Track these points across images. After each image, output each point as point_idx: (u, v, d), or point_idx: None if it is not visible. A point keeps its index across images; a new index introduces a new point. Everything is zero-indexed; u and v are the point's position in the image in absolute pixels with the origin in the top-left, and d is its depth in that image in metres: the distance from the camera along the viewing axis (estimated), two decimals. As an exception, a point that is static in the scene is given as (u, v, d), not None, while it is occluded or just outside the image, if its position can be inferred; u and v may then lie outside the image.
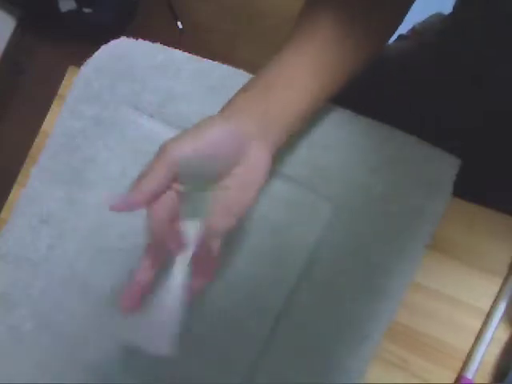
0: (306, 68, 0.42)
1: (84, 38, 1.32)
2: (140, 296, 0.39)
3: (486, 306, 0.45)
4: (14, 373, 0.54)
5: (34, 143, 0.62)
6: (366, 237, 0.47)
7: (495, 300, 0.45)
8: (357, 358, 0.45)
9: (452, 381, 0.45)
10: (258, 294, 0.49)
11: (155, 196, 0.37)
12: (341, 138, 0.50)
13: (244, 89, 0.41)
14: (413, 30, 0.67)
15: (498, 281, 0.45)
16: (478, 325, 0.45)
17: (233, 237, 0.50)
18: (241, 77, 0.53)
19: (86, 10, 1.64)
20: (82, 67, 0.59)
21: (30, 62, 1.76)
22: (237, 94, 0.41)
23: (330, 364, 0.46)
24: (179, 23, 1.68)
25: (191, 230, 0.37)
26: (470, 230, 0.47)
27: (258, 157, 0.39)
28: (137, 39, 0.59)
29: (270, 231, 0.50)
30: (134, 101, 0.56)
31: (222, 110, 0.41)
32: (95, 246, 0.54)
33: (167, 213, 0.37)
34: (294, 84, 0.41)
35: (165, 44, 0.58)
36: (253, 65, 0.50)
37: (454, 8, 0.59)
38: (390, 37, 0.49)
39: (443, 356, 0.46)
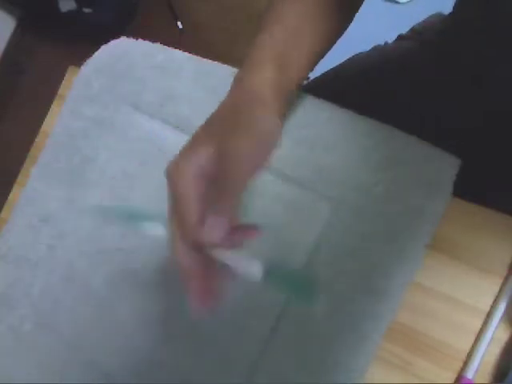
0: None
1: (84, 37, 1.32)
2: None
3: (485, 305, 0.45)
4: (14, 373, 0.54)
5: (34, 143, 0.62)
6: (366, 237, 0.47)
7: (495, 300, 0.45)
8: (357, 357, 0.45)
9: (452, 381, 0.45)
10: (258, 293, 0.49)
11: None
12: (341, 138, 0.50)
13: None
14: (413, 30, 0.67)
15: (498, 281, 0.45)
16: (478, 325, 0.45)
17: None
18: (241, 77, 0.53)
19: (86, 10, 1.64)
20: (81, 67, 0.59)
21: (30, 61, 1.76)
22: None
23: (330, 364, 0.46)
24: (179, 23, 1.68)
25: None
26: (470, 230, 0.47)
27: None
28: (137, 39, 0.59)
29: (270, 231, 0.49)
30: (134, 101, 0.56)
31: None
32: (95, 246, 0.54)
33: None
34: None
35: (165, 44, 0.58)
36: (253, 65, 0.50)
37: (454, 8, 0.59)
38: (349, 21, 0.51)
39: (443, 356, 0.46)
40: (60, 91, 0.62)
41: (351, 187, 0.48)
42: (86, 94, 0.58)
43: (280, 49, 0.43)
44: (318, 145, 0.50)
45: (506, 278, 0.45)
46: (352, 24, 0.51)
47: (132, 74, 0.57)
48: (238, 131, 0.36)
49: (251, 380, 0.48)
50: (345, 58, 0.68)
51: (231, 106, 0.40)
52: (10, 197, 0.62)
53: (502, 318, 0.44)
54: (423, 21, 0.67)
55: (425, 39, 0.63)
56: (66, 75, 0.62)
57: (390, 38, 0.69)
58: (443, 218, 0.46)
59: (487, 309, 0.45)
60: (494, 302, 0.45)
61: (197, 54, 0.56)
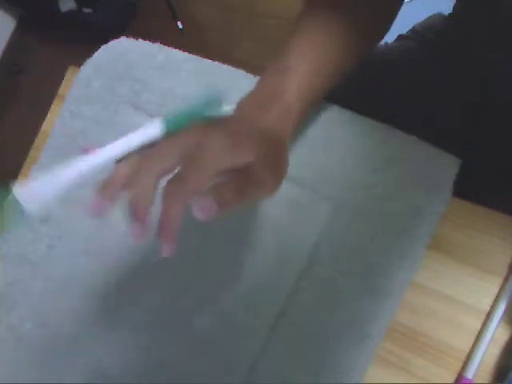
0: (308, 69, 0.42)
1: (84, 38, 1.32)
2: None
3: (485, 306, 0.45)
4: (14, 372, 0.54)
5: (34, 143, 0.62)
6: (365, 237, 0.47)
7: (495, 300, 0.45)
8: (357, 357, 0.45)
9: (452, 381, 0.45)
10: (258, 293, 0.49)
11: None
12: (341, 138, 0.50)
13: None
14: (413, 30, 0.67)
15: (498, 281, 0.45)
16: (477, 325, 0.45)
17: (233, 235, 0.50)
18: (241, 77, 0.53)
19: (86, 10, 1.64)
20: (81, 67, 0.59)
21: (30, 62, 1.76)
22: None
23: (330, 364, 0.46)
24: (179, 23, 1.68)
25: None
26: (470, 230, 0.47)
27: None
28: (137, 39, 0.59)
29: (271, 231, 0.50)
30: (134, 101, 0.56)
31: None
32: (95, 246, 0.54)
33: None
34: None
35: (165, 44, 0.58)
36: (253, 65, 0.50)
37: (453, 8, 0.59)
38: (380, 39, 0.50)
39: (443, 356, 0.46)
40: (60, 91, 0.62)
41: (351, 187, 0.48)
42: (86, 94, 0.58)
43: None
44: (317, 145, 0.50)
45: (506, 278, 0.45)
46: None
47: (132, 74, 0.57)
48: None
49: (251, 380, 0.48)
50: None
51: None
52: (10, 197, 0.62)
53: (502, 317, 0.44)
54: (423, 21, 0.67)
55: (425, 39, 0.63)
56: (66, 75, 0.62)
57: (390, 38, 0.69)
58: (443, 218, 0.46)
59: (487, 309, 0.45)
60: (493, 302, 0.45)
61: (197, 54, 0.56)
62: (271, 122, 0.38)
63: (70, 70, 0.62)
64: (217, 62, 0.55)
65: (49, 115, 0.62)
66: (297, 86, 0.41)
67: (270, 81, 0.42)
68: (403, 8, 0.50)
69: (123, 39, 0.59)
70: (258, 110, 0.39)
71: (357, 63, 0.47)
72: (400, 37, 0.68)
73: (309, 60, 0.42)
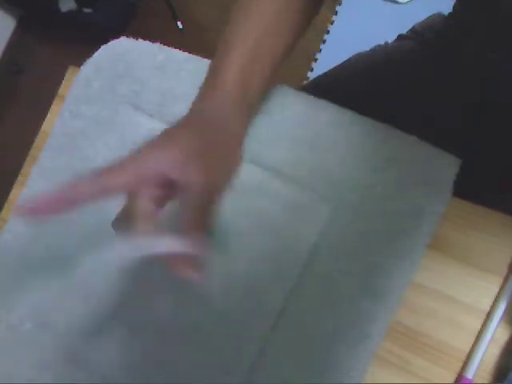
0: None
1: (84, 38, 1.32)
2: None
3: (486, 306, 0.45)
4: (13, 372, 0.54)
5: (34, 143, 0.62)
6: (365, 237, 0.47)
7: (495, 300, 0.45)
8: (357, 357, 0.45)
9: (452, 381, 0.45)
10: (258, 293, 0.49)
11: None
12: (341, 138, 0.50)
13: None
14: (413, 30, 0.67)
15: (498, 281, 0.45)
16: (477, 325, 0.45)
17: (233, 237, 0.50)
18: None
19: (86, 10, 1.64)
20: (81, 67, 0.59)
21: (30, 62, 1.76)
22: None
23: (330, 364, 0.46)
24: (179, 23, 1.68)
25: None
26: (470, 230, 0.47)
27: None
28: (137, 39, 0.59)
29: (270, 231, 0.50)
30: (134, 101, 0.56)
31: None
32: (95, 246, 0.54)
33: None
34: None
35: (165, 44, 0.58)
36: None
37: (453, 8, 0.59)
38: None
39: (443, 356, 0.46)
40: (60, 91, 0.62)
41: (351, 187, 0.48)
42: (86, 94, 0.58)
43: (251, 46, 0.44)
44: (317, 145, 0.50)
45: (506, 278, 0.45)
46: (352, 24, 0.51)
47: (132, 74, 0.57)
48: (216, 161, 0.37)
49: (251, 380, 0.48)
50: (345, 58, 0.68)
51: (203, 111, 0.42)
52: (10, 197, 0.62)
53: (502, 317, 0.44)
54: (423, 21, 0.67)
55: (425, 39, 0.63)
56: (66, 75, 0.62)
57: (390, 38, 0.69)
58: (443, 218, 0.46)
59: (487, 309, 0.45)
60: (493, 302, 0.45)
61: (197, 54, 0.56)
62: (207, 109, 0.40)
63: (70, 70, 0.62)
64: (217, 62, 0.55)
65: (49, 115, 0.62)
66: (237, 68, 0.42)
67: (213, 64, 0.44)
68: (403, 8, 0.50)
69: (123, 39, 0.59)
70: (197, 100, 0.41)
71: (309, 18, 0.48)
72: (400, 37, 0.68)
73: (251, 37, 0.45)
